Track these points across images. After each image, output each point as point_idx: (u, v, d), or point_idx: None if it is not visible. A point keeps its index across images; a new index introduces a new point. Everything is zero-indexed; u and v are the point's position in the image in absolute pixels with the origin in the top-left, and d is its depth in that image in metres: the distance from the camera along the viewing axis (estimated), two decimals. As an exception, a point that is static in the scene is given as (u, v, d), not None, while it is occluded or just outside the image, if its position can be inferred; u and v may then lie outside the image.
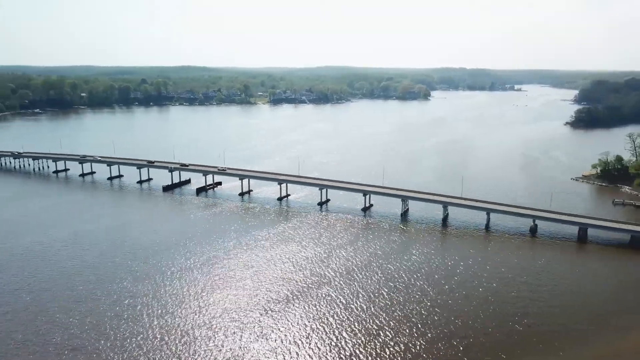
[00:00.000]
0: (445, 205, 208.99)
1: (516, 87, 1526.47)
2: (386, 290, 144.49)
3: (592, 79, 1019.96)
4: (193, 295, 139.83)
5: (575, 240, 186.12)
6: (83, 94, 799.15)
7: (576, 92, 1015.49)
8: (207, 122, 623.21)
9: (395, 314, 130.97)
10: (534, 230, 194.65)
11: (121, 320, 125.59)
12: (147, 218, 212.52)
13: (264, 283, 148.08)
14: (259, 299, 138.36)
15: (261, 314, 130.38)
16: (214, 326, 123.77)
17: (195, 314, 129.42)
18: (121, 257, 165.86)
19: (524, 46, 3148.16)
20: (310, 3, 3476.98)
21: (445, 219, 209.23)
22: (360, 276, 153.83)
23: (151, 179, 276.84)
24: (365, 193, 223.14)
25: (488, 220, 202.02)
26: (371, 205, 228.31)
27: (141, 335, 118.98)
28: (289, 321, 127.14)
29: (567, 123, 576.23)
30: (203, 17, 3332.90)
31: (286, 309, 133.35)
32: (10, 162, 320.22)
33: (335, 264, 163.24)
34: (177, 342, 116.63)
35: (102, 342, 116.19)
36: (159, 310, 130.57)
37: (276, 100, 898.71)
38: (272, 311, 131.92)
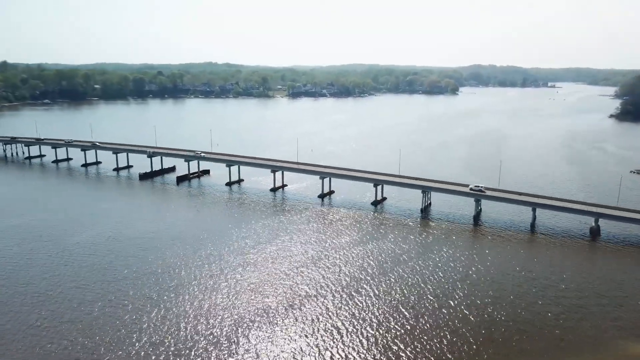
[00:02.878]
0: (478, 198, 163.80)
1: (550, 84, 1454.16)
2: (410, 311, 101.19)
3: (633, 75, 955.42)
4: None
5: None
6: (97, 86, 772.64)
7: (614, 88, 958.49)
8: (219, 114, 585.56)
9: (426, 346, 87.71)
10: (595, 232, 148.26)
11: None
12: (102, 215, 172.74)
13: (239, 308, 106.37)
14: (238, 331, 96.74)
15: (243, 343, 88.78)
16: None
17: None
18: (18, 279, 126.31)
19: (557, 43, 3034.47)
20: (336, 2, 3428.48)
21: (477, 215, 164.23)
22: (370, 292, 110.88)
23: (131, 166, 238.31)
24: (376, 183, 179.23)
25: (534, 217, 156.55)
26: (384, 198, 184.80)
27: None
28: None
29: (612, 115, 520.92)
30: (228, 17, 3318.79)
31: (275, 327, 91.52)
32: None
33: (334, 274, 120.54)
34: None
35: None
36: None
37: (295, 94, 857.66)
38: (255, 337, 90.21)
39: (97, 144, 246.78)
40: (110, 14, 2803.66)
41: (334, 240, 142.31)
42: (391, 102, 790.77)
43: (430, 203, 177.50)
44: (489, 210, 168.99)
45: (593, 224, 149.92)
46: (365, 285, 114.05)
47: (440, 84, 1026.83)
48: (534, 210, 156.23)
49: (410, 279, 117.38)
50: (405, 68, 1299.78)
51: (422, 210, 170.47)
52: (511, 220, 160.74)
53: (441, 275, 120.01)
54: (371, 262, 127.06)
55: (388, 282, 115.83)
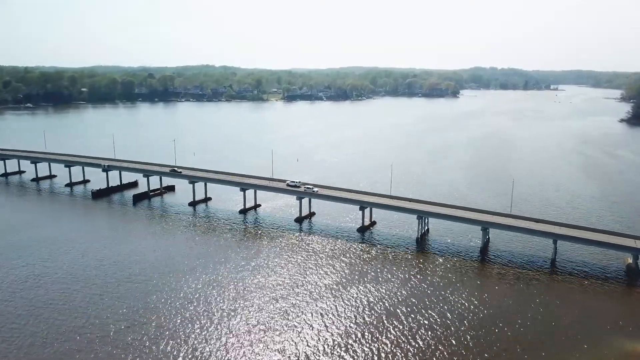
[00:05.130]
0: (485, 227, 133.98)
1: (552, 86, 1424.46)
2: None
3: (638, 77, 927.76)
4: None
5: None
6: (83, 89, 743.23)
7: (619, 91, 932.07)
8: (205, 118, 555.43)
9: None
10: (634, 271, 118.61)
11: None
12: (27, 247, 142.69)
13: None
14: None
15: None
16: None
17: None
18: None
19: (557, 45, 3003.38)
20: (334, 3, 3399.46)
21: (484, 247, 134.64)
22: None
23: (87, 180, 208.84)
24: (363, 206, 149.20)
25: (555, 251, 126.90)
26: (373, 222, 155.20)
27: None
28: None
29: (622, 120, 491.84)
30: (227, 19, 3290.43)
31: None
32: None
33: (310, 339, 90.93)
34: None
35: None
36: None
37: (290, 97, 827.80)
38: None
39: (51, 155, 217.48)
40: (108, 16, 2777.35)
41: (309, 287, 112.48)
42: (389, 105, 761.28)
43: (427, 230, 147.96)
44: (499, 241, 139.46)
45: (630, 261, 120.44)
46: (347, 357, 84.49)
47: (440, 86, 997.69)
48: (555, 243, 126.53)
49: (410, 346, 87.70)
50: (404, 70, 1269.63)
51: (418, 241, 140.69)
52: (527, 255, 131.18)
53: (453, 342, 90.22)
54: (358, 320, 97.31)
55: (381, 347, 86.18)
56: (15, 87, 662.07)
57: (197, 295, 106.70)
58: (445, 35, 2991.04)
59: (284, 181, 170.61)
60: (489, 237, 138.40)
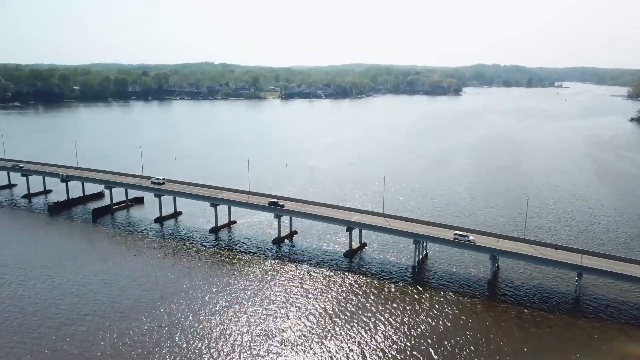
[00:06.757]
0: (493, 254, 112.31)
1: (556, 83, 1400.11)
2: None
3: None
4: None
5: None
6: (75, 87, 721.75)
7: (625, 88, 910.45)
8: (195, 118, 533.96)
9: None
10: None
11: None
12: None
13: None
14: None
15: None
16: None
17: None
18: None
19: (561, 42, 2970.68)
20: (336, 1, 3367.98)
21: (494, 278, 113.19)
22: None
23: (49, 190, 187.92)
24: (350, 227, 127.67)
25: (578, 286, 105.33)
26: (363, 245, 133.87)
27: None
28: None
29: (633, 119, 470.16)
30: (226, 16, 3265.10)
31: None
32: None
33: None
34: None
35: None
36: None
37: (288, 95, 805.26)
38: None
39: (7, 163, 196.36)
40: (108, 15, 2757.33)
41: (287, 333, 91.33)
42: (390, 103, 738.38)
43: (426, 255, 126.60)
44: (510, 271, 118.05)
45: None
46: None
47: (442, 84, 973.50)
48: (579, 277, 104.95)
49: None
50: (406, 68, 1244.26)
51: (415, 269, 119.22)
52: (546, 289, 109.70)
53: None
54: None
55: None
56: (3, 86, 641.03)
57: (140, 344, 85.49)
58: (447, 32, 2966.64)
59: (263, 195, 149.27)
60: (498, 266, 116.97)
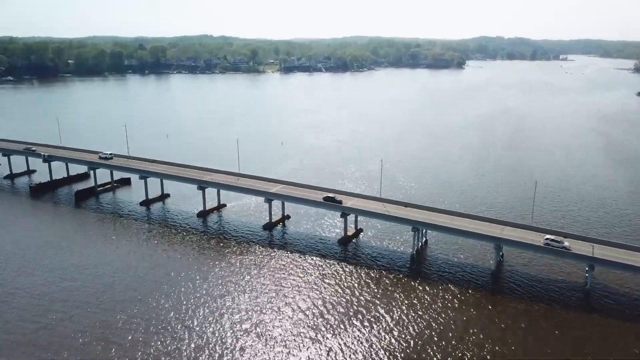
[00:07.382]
0: (498, 243, 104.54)
1: (561, 56, 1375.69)
2: None
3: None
4: None
5: None
6: (70, 61, 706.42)
7: (630, 61, 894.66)
8: (192, 93, 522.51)
9: None
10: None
11: None
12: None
13: None
14: None
15: None
16: None
17: None
18: None
19: (565, 14, 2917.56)
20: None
21: (498, 268, 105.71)
22: None
23: (32, 171, 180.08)
24: (345, 212, 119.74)
25: (589, 277, 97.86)
26: (358, 231, 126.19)
27: None
28: None
29: (639, 94, 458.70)
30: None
31: None
32: None
33: None
34: None
35: None
36: None
37: (288, 69, 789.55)
38: None
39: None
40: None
41: (278, 325, 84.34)
42: (391, 77, 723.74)
43: (425, 242, 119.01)
44: (516, 260, 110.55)
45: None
46: None
47: (444, 57, 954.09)
48: (591, 268, 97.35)
49: None
50: (407, 40, 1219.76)
51: (413, 258, 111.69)
52: (556, 281, 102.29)
53: None
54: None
55: None
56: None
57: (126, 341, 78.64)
58: (450, 3, 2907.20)
59: (256, 177, 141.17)
60: (502, 254, 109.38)
